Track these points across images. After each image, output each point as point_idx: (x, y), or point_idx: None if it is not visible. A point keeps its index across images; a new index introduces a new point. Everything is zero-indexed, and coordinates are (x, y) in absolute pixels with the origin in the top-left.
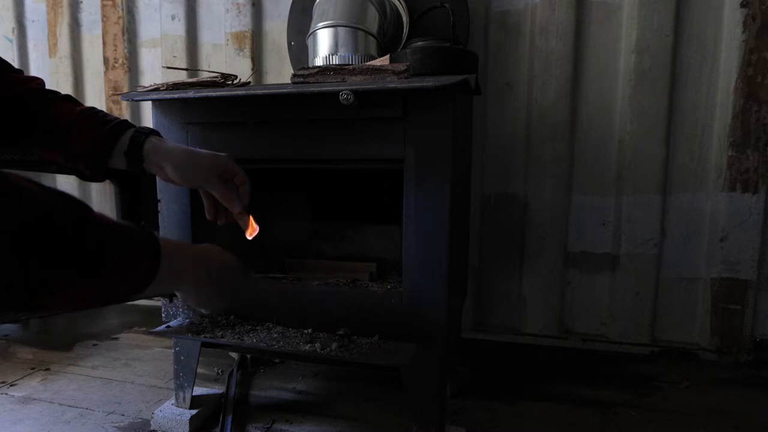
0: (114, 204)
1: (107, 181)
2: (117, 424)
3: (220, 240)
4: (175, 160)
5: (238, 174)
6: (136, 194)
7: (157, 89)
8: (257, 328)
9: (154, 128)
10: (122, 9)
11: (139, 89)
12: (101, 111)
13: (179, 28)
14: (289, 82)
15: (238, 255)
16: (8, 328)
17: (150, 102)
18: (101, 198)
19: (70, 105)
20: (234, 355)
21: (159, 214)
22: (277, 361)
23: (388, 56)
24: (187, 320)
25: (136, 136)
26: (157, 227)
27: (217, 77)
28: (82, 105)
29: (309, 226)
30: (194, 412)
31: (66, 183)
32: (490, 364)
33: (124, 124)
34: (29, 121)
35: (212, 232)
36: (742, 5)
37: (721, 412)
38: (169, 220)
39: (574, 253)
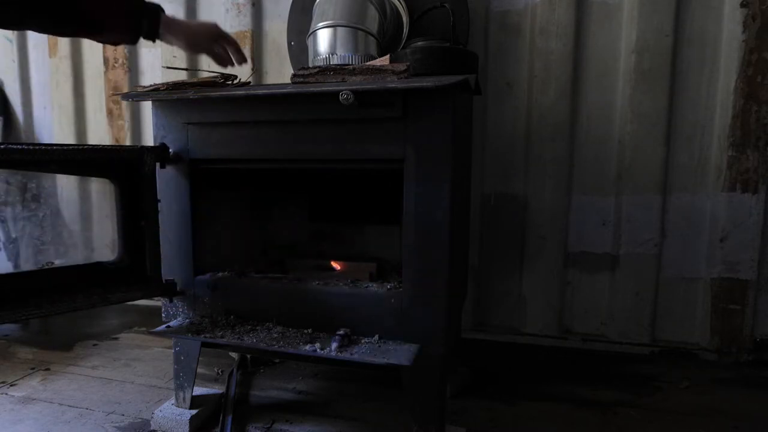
0: (114, 204)
1: (107, 181)
2: (117, 424)
3: (219, 240)
4: (182, 36)
5: (227, 37)
6: (136, 194)
7: (157, 89)
8: (257, 328)
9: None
10: None
11: (139, 89)
12: None
13: None
14: (289, 82)
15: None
16: (8, 328)
17: (150, 102)
18: (101, 198)
19: None
20: (234, 355)
21: (159, 214)
22: (277, 361)
23: (388, 56)
24: (187, 320)
25: (151, 22)
26: (157, 227)
27: (217, 77)
28: None
29: (309, 226)
30: (194, 412)
31: (66, 183)
32: (490, 364)
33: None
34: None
35: (212, 232)
36: (742, 5)
37: (721, 412)
38: (169, 220)
39: (574, 253)
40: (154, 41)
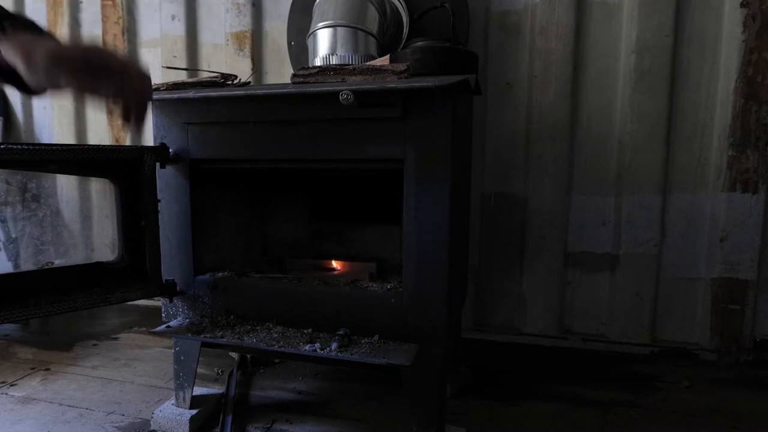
0: (114, 204)
1: (107, 181)
2: (117, 424)
3: (219, 240)
4: (22, 52)
5: (101, 59)
6: (136, 194)
7: (157, 89)
8: (257, 328)
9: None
10: (122, 9)
11: None
12: None
13: (179, 28)
14: (289, 82)
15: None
16: (8, 328)
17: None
18: (101, 198)
19: None
20: (234, 355)
21: (159, 214)
22: (277, 361)
23: (388, 56)
24: (187, 320)
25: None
26: (157, 227)
27: (217, 77)
28: None
29: (309, 226)
30: (194, 412)
31: (66, 183)
32: (490, 364)
33: None
34: None
35: (212, 231)
36: (742, 5)
37: (721, 412)
38: (170, 219)
39: (574, 253)
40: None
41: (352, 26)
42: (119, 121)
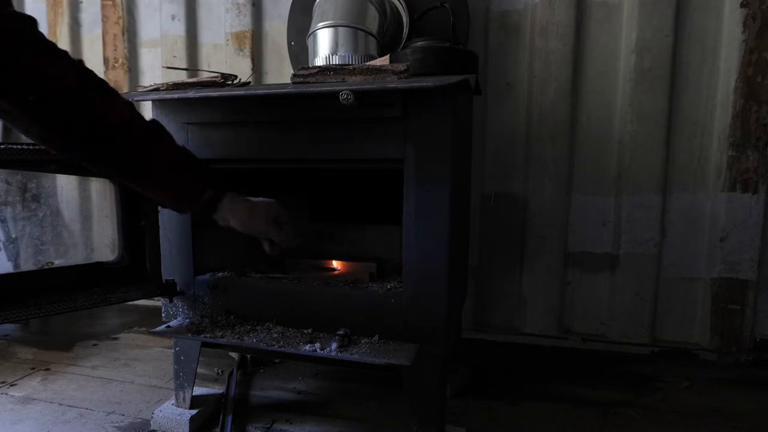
0: (114, 204)
1: (107, 181)
2: (117, 424)
3: (219, 239)
4: (240, 217)
5: (281, 215)
6: (136, 194)
7: (157, 89)
8: (257, 328)
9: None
10: (122, 9)
11: (139, 89)
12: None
13: (179, 28)
14: (289, 82)
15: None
16: (8, 328)
17: (150, 102)
18: (101, 198)
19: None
20: (234, 355)
21: (159, 214)
22: (277, 361)
23: (388, 56)
24: (187, 320)
25: (214, 199)
26: (157, 227)
27: (217, 77)
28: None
29: (309, 226)
30: (194, 412)
31: (66, 183)
32: (490, 364)
33: (207, 180)
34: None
35: (211, 232)
36: (742, 5)
37: (721, 412)
38: (170, 219)
39: (574, 253)
40: (208, 216)
41: (352, 26)
42: (265, 247)
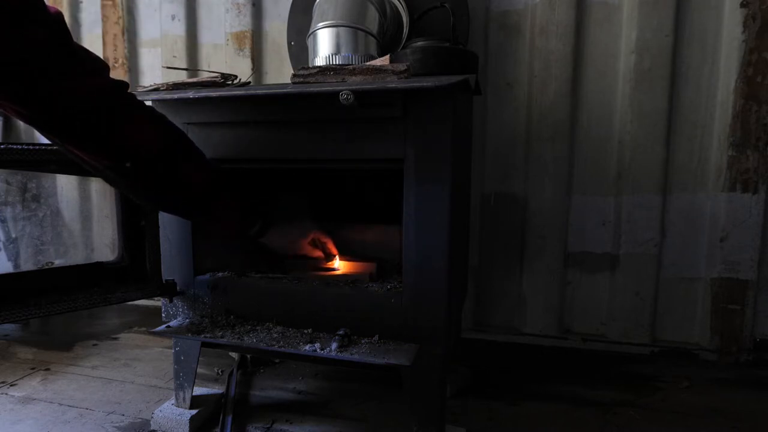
0: (114, 204)
1: None
2: (117, 424)
3: (218, 239)
4: (289, 241)
5: (321, 236)
6: None
7: (157, 89)
8: (257, 328)
9: None
10: (122, 9)
11: (139, 89)
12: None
13: (179, 28)
14: (289, 82)
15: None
16: (8, 328)
17: (150, 102)
18: (101, 198)
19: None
20: (234, 355)
21: (159, 214)
22: (277, 361)
23: (388, 56)
24: (187, 320)
25: (261, 229)
26: (157, 227)
27: (217, 77)
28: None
29: (309, 226)
30: (194, 412)
31: (66, 183)
32: (490, 364)
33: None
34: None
35: (211, 232)
36: (742, 5)
37: (721, 412)
38: (170, 219)
39: (574, 253)
40: (254, 240)
41: (352, 26)
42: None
